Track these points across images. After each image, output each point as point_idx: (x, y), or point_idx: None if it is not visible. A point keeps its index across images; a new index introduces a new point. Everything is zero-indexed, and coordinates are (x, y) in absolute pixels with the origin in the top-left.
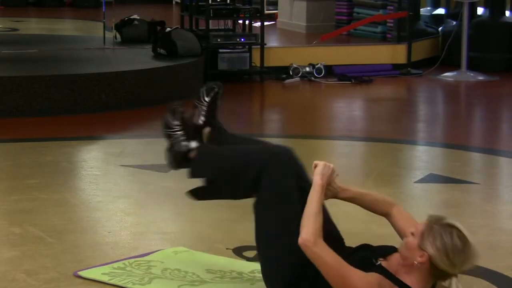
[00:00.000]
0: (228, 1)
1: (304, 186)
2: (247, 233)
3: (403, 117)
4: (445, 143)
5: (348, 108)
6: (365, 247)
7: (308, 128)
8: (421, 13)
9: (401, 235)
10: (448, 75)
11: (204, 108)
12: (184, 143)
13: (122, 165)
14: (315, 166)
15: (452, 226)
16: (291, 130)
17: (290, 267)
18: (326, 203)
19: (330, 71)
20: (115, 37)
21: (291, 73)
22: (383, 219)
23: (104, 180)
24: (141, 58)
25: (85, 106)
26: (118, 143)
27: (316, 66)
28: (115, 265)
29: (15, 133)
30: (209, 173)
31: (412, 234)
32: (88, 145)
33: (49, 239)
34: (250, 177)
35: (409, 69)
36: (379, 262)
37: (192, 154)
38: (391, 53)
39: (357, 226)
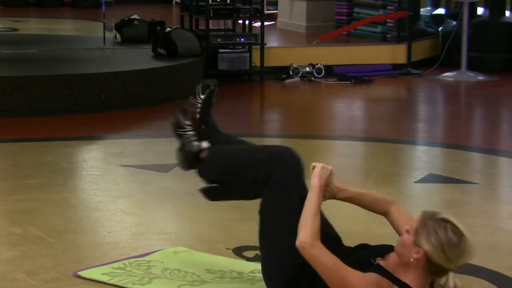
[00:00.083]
0: (228, 1)
1: (302, 187)
2: (247, 233)
3: (403, 117)
4: (445, 143)
5: (348, 108)
6: (363, 247)
7: (308, 128)
8: (421, 13)
9: (400, 233)
10: (448, 75)
11: (199, 105)
12: (195, 143)
13: (122, 165)
14: (313, 167)
15: (446, 221)
16: (291, 130)
17: (290, 267)
18: (326, 204)
19: (330, 71)
20: (115, 37)
21: (291, 73)
22: (383, 219)
23: (104, 180)
24: (141, 58)
25: (85, 106)
26: (118, 143)
27: (316, 66)
28: (115, 265)
29: (15, 133)
30: (217, 174)
31: (407, 231)
32: (88, 145)
33: (49, 239)
34: (252, 177)
35: (409, 69)
36: (377, 262)
37: (203, 154)
38: (391, 53)
39: (357, 226)
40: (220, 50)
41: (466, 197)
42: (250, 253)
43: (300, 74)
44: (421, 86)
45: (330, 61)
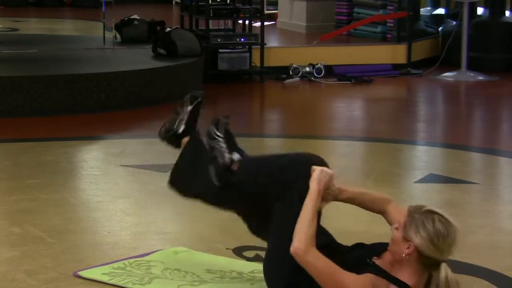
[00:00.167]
0: (228, 1)
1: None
2: (247, 233)
3: (403, 117)
4: (445, 143)
5: (348, 108)
6: (359, 246)
7: (308, 128)
8: (421, 13)
9: None
10: (448, 75)
11: (186, 116)
12: (227, 155)
13: (122, 165)
14: (313, 171)
15: (432, 212)
16: (291, 130)
17: (290, 267)
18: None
19: (330, 71)
20: (115, 37)
21: (291, 73)
22: (383, 218)
23: (104, 180)
24: (141, 58)
25: (85, 106)
26: (118, 143)
27: (316, 66)
28: (115, 265)
29: (15, 133)
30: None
31: (396, 228)
32: (88, 145)
33: (49, 239)
34: (279, 185)
35: (409, 69)
36: (373, 261)
37: (234, 166)
38: (391, 53)
39: (357, 226)
40: (220, 50)
41: (466, 197)
42: (250, 253)
43: (300, 74)
44: (421, 86)
45: (330, 61)
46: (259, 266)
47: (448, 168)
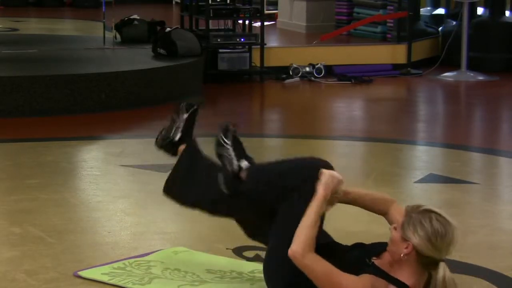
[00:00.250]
0: (228, 1)
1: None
2: None
3: (403, 117)
4: (445, 143)
5: (348, 108)
6: (358, 246)
7: (308, 128)
8: (421, 13)
9: None
10: (448, 75)
11: (182, 124)
12: (236, 163)
13: (122, 165)
14: (322, 174)
15: (430, 211)
16: (291, 130)
17: (290, 268)
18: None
19: (330, 71)
20: (115, 37)
21: (291, 73)
22: (384, 218)
23: (104, 180)
24: (141, 58)
25: (85, 106)
26: (118, 143)
27: (316, 66)
28: (115, 265)
29: (15, 133)
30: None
31: (395, 228)
32: (88, 145)
33: (49, 239)
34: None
35: (409, 69)
36: (372, 262)
37: (242, 174)
38: (391, 53)
39: (357, 226)
40: (220, 50)
41: (466, 197)
42: (250, 253)
43: (300, 74)
44: (421, 86)
45: (330, 61)
46: (259, 266)
47: (448, 168)
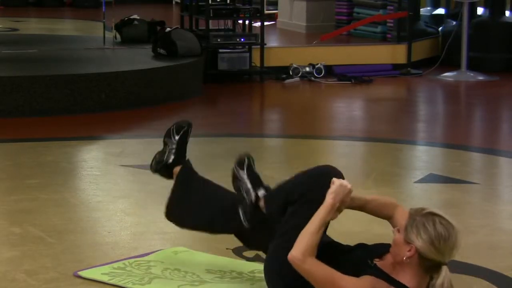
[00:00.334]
0: (228, 1)
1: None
2: None
3: (403, 117)
4: (445, 143)
5: (348, 108)
6: (361, 247)
7: (308, 128)
8: (421, 13)
9: None
10: (448, 75)
11: (174, 146)
12: (253, 192)
13: (122, 165)
14: (332, 183)
15: (433, 214)
16: (291, 130)
17: (291, 269)
18: None
19: (330, 71)
20: (115, 37)
21: (291, 73)
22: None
23: (104, 180)
24: (141, 58)
25: (85, 106)
26: (118, 143)
27: (316, 66)
28: (115, 265)
29: (15, 133)
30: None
31: (398, 231)
32: (88, 145)
33: (49, 239)
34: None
35: (409, 69)
36: (374, 263)
37: (261, 203)
38: (391, 53)
39: (357, 226)
40: (220, 50)
41: (466, 197)
42: (250, 253)
43: (300, 74)
44: (421, 86)
45: (330, 61)
46: (259, 266)
47: (448, 168)
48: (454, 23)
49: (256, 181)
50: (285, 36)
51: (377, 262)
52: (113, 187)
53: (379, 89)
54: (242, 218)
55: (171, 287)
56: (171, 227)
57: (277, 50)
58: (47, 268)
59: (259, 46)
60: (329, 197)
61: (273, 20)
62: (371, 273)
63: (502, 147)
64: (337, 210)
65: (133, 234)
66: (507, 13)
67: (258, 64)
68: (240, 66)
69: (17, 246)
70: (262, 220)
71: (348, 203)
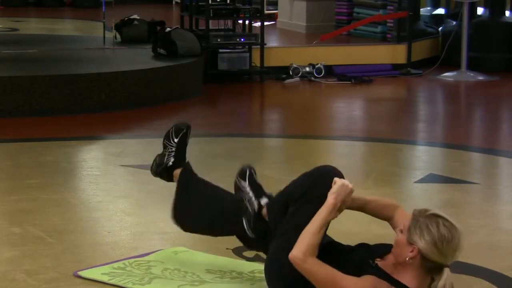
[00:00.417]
0: (228, 1)
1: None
2: None
3: (403, 117)
4: (445, 143)
5: (348, 108)
6: (363, 247)
7: (308, 128)
8: (421, 13)
9: None
10: (448, 75)
11: (173, 149)
12: (255, 201)
13: (122, 165)
14: (334, 183)
15: (437, 216)
16: (291, 130)
17: (292, 269)
18: None
19: (330, 71)
20: (115, 37)
21: (291, 73)
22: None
23: (104, 180)
24: (141, 58)
25: (85, 106)
26: (118, 143)
27: (316, 66)
28: (115, 265)
29: (15, 133)
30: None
31: (401, 231)
32: (88, 145)
33: (49, 239)
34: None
35: (409, 69)
36: (375, 263)
37: (264, 211)
38: (391, 53)
39: (357, 227)
40: (220, 50)
41: (466, 197)
42: (250, 253)
43: (300, 74)
44: (421, 86)
45: (330, 61)
46: (259, 266)
47: (448, 168)
48: (454, 23)
49: (258, 191)
50: (285, 36)
51: (378, 262)
52: (113, 187)
53: (379, 89)
54: (246, 227)
55: (171, 287)
56: (171, 227)
57: (277, 50)
58: (47, 268)
59: (259, 46)
60: (331, 197)
61: (273, 20)
62: (372, 272)
63: (502, 147)
64: (338, 210)
65: (133, 234)
66: (507, 13)
67: (258, 64)
68: (240, 66)
69: (17, 246)
70: (265, 228)
71: (349, 203)
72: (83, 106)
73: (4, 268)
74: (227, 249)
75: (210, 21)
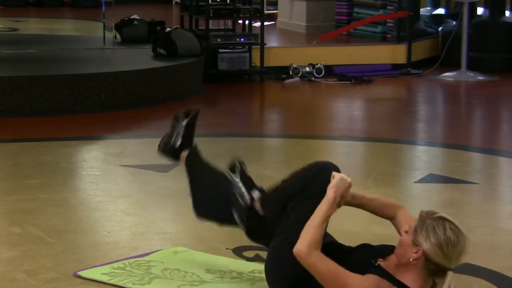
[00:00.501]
0: (228, 1)
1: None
2: None
3: (403, 117)
4: (445, 143)
5: (348, 108)
6: (365, 247)
7: (308, 128)
8: (421, 13)
9: (400, 235)
10: (448, 75)
11: (182, 130)
12: (247, 195)
13: (122, 165)
14: (333, 177)
15: (444, 219)
16: (291, 130)
17: (293, 267)
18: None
19: (330, 71)
20: (115, 37)
21: (291, 73)
22: (384, 219)
23: (104, 180)
24: (141, 58)
25: (85, 106)
26: (118, 143)
27: (316, 66)
28: (115, 265)
29: (15, 133)
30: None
31: (406, 232)
32: (88, 145)
33: (49, 239)
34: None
35: (409, 69)
36: (378, 263)
37: (256, 205)
38: (391, 53)
39: (357, 226)
40: (220, 50)
41: (466, 197)
42: (250, 253)
43: (300, 74)
44: (421, 86)
45: (330, 61)
46: (259, 266)
47: (448, 168)
48: (454, 23)
49: (250, 184)
50: (285, 36)
51: (381, 262)
52: (113, 187)
53: (379, 89)
54: (237, 221)
55: (171, 287)
56: (171, 227)
57: (277, 50)
58: (47, 268)
59: (259, 46)
60: (331, 191)
61: (273, 20)
62: (375, 272)
63: (502, 147)
64: (337, 205)
65: (133, 234)
66: (507, 13)
67: (258, 64)
68: (240, 66)
69: (17, 246)
70: (259, 220)
71: (348, 198)
72: (83, 106)
73: (4, 268)
74: (227, 249)
75: (210, 21)
